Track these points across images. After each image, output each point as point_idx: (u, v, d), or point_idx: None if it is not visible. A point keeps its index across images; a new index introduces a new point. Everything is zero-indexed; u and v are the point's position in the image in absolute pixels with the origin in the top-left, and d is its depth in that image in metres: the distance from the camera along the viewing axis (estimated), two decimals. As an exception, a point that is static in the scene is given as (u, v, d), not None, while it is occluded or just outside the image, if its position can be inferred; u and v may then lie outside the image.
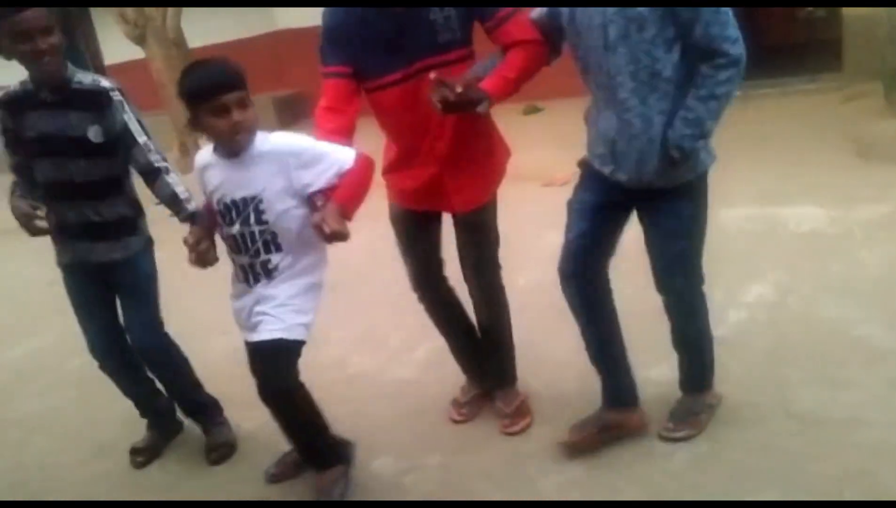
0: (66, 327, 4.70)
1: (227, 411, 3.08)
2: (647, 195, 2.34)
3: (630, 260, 2.67)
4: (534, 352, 3.20)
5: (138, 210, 2.78)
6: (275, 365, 2.31)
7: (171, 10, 8.38)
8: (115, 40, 9.66)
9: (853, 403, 2.58)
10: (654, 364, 2.96)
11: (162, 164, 2.64)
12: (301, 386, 2.36)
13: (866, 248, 3.76)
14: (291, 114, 9.73)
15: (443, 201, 2.60)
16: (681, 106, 2.18)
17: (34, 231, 2.53)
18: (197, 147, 9.51)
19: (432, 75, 2.30)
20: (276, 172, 2.27)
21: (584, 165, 2.49)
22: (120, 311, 2.82)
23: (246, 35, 10.01)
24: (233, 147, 2.28)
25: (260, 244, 2.32)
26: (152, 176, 2.64)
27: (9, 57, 2.47)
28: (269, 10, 10.04)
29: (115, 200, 2.69)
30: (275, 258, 2.33)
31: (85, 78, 2.58)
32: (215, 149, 2.35)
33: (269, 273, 2.34)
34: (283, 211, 2.29)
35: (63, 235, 2.69)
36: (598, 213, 2.43)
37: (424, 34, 2.37)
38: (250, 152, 2.28)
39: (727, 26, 2.09)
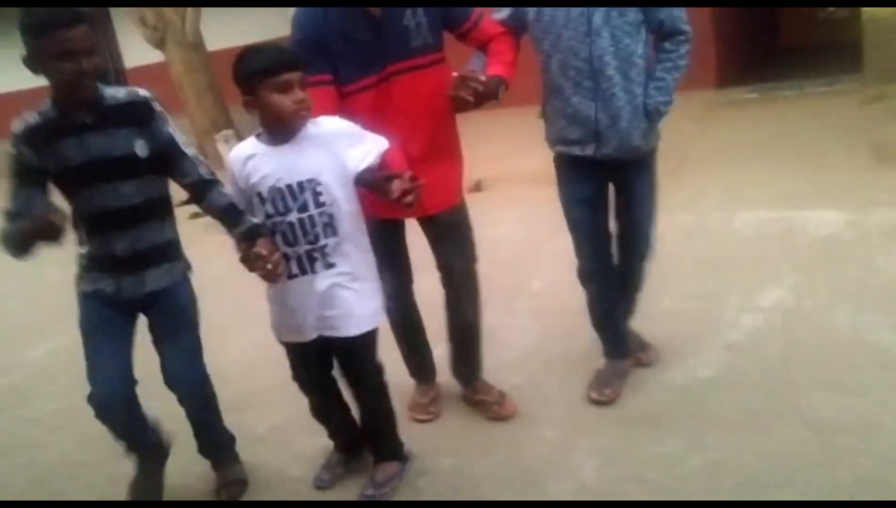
0: (86, 327, 4.80)
1: (243, 414, 3.11)
2: (624, 166, 2.67)
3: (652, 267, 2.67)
4: (547, 354, 3.22)
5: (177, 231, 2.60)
6: (368, 355, 2.46)
7: (190, 14, 8.45)
8: (134, 44, 9.78)
9: (868, 409, 2.57)
10: (664, 370, 2.97)
11: (212, 175, 2.45)
12: (384, 370, 2.53)
13: (884, 252, 3.73)
14: (309, 116, 9.77)
15: (417, 204, 2.53)
16: (651, 78, 2.58)
17: (57, 231, 2.15)
18: (217, 150, 9.48)
19: (455, 74, 2.43)
20: (329, 154, 2.28)
21: (561, 158, 2.72)
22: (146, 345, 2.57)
23: (264, 38, 10.07)
24: (293, 127, 2.26)
25: (319, 228, 2.30)
26: (204, 189, 2.43)
27: (41, 72, 2.23)
28: (287, 14, 10.10)
29: (164, 221, 2.50)
30: (332, 242, 2.33)
31: (117, 92, 2.35)
32: (259, 137, 2.32)
33: (326, 257, 2.33)
34: (340, 192, 2.30)
35: (105, 268, 2.43)
36: (597, 201, 2.74)
37: (398, 39, 2.46)
38: (302, 136, 2.28)
39: (682, 9, 2.60)
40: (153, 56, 9.05)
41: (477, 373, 2.99)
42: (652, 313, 3.41)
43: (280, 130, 2.27)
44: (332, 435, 2.74)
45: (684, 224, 4.57)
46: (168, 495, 2.77)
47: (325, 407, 2.66)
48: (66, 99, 2.27)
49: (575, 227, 2.79)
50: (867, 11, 6.81)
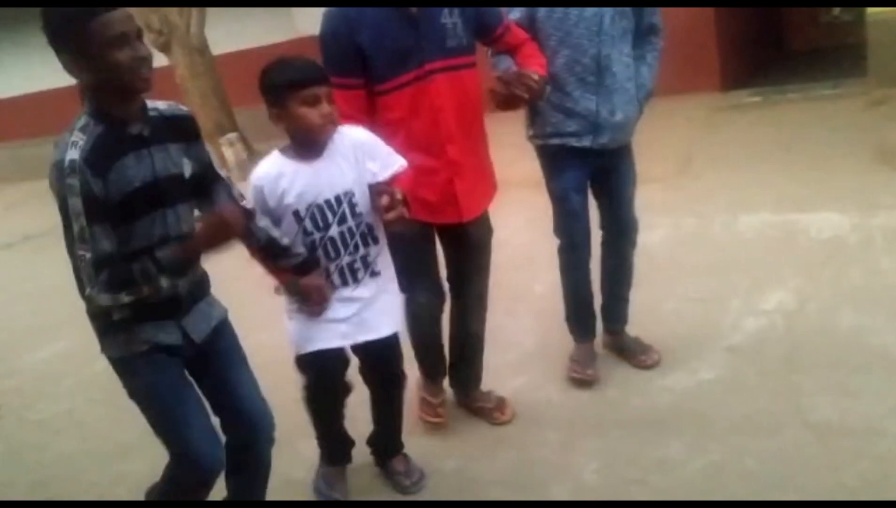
0: (91, 330, 4.82)
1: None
2: (613, 152, 2.86)
3: (649, 270, 2.67)
4: (549, 356, 3.22)
5: None
6: (397, 355, 2.48)
7: (194, 18, 8.48)
8: (140, 48, 9.81)
9: (871, 412, 2.56)
10: (667, 373, 2.97)
11: (249, 203, 2.18)
12: None
13: (887, 255, 3.72)
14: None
15: (453, 209, 2.59)
16: (644, 65, 2.84)
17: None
18: (221, 154, 9.50)
19: (498, 73, 2.52)
20: (356, 165, 2.28)
21: (554, 150, 2.82)
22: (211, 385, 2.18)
23: (268, 42, 10.11)
24: (320, 140, 2.24)
25: (358, 238, 2.30)
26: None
27: (87, 71, 1.83)
28: (291, 18, 10.13)
29: None
30: (373, 250, 2.34)
31: (156, 104, 2.02)
32: (285, 152, 2.28)
33: (370, 266, 2.34)
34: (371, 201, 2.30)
35: (163, 313, 2.01)
36: (587, 188, 2.94)
37: (436, 37, 2.44)
38: (330, 147, 2.26)
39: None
40: (158, 60, 9.06)
41: (478, 383, 2.98)
42: (654, 316, 3.41)
43: (307, 143, 2.24)
44: (335, 450, 2.67)
45: (687, 227, 4.57)
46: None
47: (336, 420, 2.60)
48: (118, 103, 1.87)
49: (571, 215, 2.90)
50: (872, 15, 6.80)
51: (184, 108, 2.11)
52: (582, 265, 3.01)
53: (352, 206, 2.27)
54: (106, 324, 1.98)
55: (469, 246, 2.72)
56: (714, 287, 3.70)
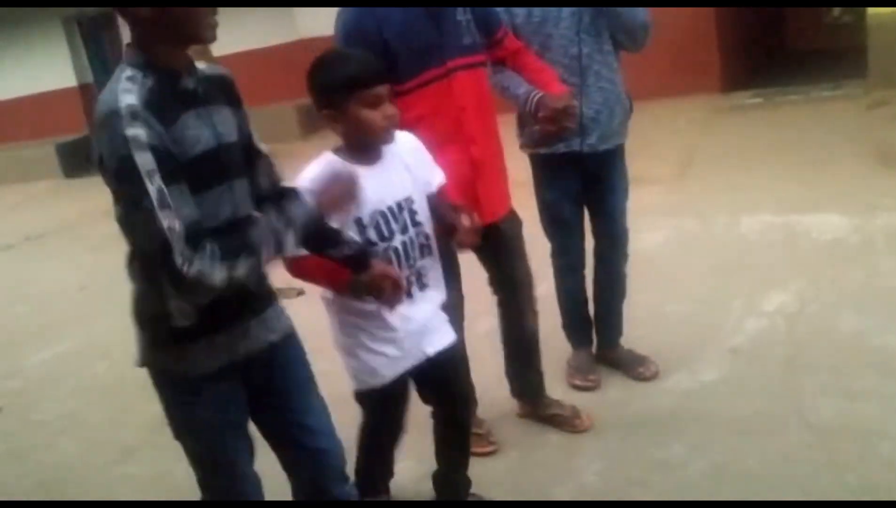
0: (93, 331, 4.85)
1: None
2: (603, 157, 2.82)
3: (650, 272, 2.68)
4: (550, 358, 3.21)
5: None
6: (463, 367, 2.30)
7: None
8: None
9: (872, 414, 2.57)
10: (668, 374, 2.97)
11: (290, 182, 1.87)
12: None
13: (888, 257, 3.73)
14: (315, 121, 9.82)
15: (476, 211, 2.41)
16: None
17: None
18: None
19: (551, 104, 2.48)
20: (412, 171, 2.10)
21: (544, 159, 2.80)
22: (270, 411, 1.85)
23: (269, 44, 10.13)
24: (381, 144, 2.03)
25: (418, 250, 2.09)
26: (286, 200, 1.68)
27: (141, 9, 1.52)
28: (293, 20, 10.15)
29: None
30: (427, 263, 2.12)
31: (197, 63, 1.68)
32: (339, 155, 2.02)
33: (420, 278, 2.12)
34: (427, 210, 2.12)
35: (227, 318, 1.67)
36: (579, 197, 2.90)
37: (455, 34, 2.40)
38: (387, 151, 2.05)
39: None
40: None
41: (543, 386, 2.89)
42: (656, 317, 3.42)
43: (367, 147, 2.02)
44: (380, 481, 2.46)
45: (689, 228, 4.57)
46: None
47: (392, 454, 2.43)
48: (171, 51, 1.56)
49: (564, 224, 2.89)
50: (872, 16, 6.81)
51: (223, 67, 1.81)
52: (576, 272, 3.01)
53: (412, 213, 2.07)
54: (160, 332, 1.63)
55: (504, 241, 2.60)
56: (715, 289, 3.70)
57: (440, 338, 2.16)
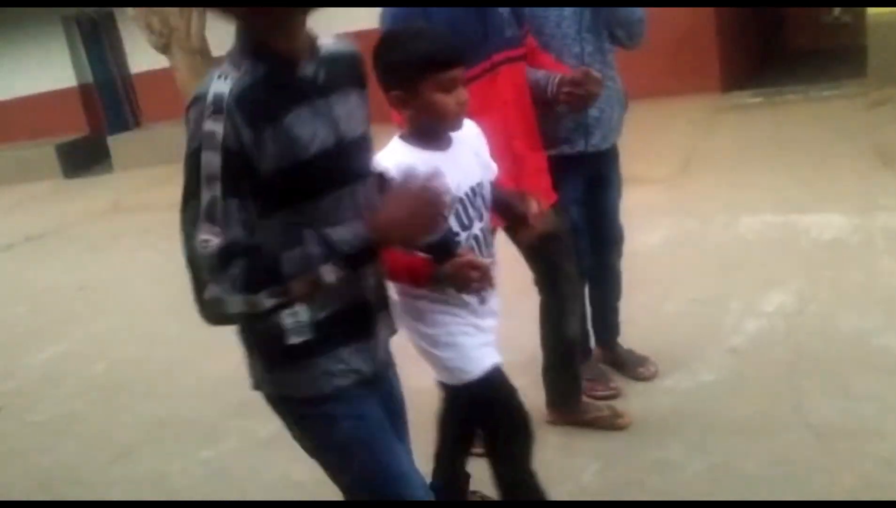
0: (91, 332, 4.84)
1: (245, 418, 3.11)
2: (603, 156, 2.82)
3: (650, 272, 2.67)
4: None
5: None
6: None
7: (195, 20, 8.50)
8: (139, 50, 9.83)
9: (871, 414, 2.56)
10: (667, 374, 2.96)
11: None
12: None
13: (888, 256, 3.72)
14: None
15: None
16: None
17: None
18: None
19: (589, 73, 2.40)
20: (479, 155, 1.98)
21: (551, 162, 2.63)
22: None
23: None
24: (451, 130, 1.88)
25: (490, 238, 1.98)
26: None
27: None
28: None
29: None
30: (489, 255, 1.96)
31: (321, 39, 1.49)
32: (407, 140, 1.88)
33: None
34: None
35: (355, 328, 1.52)
36: (584, 199, 2.84)
37: (498, 27, 2.37)
38: (456, 136, 1.91)
39: None
40: (159, 61, 9.08)
41: (581, 391, 2.83)
42: (655, 317, 3.41)
43: (436, 132, 1.87)
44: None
45: (688, 228, 4.57)
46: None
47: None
48: (286, 33, 1.37)
49: (573, 228, 2.77)
50: (872, 16, 6.81)
51: (350, 44, 1.58)
52: (581, 279, 2.90)
53: (484, 200, 1.95)
54: (276, 350, 1.45)
55: (550, 239, 2.42)
56: (714, 289, 3.70)
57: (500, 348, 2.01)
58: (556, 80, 2.45)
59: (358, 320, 1.50)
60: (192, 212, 1.29)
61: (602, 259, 2.99)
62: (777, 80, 8.05)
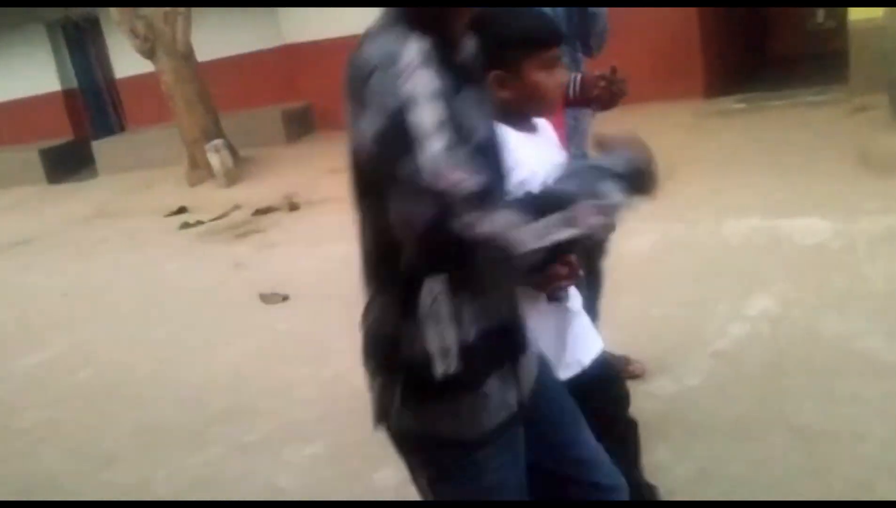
0: (76, 338, 4.80)
1: (229, 423, 3.10)
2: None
3: (635, 276, 2.68)
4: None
5: None
6: (617, 377, 2.00)
7: (180, 24, 8.49)
8: (124, 55, 9.79)
9: (855, 417, 2.58)
10: (654, 377, 2.97)
11: None
12: None
13: (870, 261, 3.76)
14: (299, 126, 9.81)
15: None
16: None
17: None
18: (207, 160, 9.47)
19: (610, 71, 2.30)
20: (553, 141, 1.90)
21: None
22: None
23: (254, 49, 10.11)
24: (551, 111, 1.82)
25: None
26: None
27: None
28: (278, 26, 10.13)
29: None
30: None
31: None
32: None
33: None
34: None
35: (502, 354, 1.32)
36: None
37: None
38: (537, 120, 1.83)
39: None
40: (144, 66, 9.06)
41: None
42: (640, 321, 3.42)
43: (527, 116, 1.77)
44: None
45: (672, 233, 4.59)
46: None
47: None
48: (452, 11, 1.23)
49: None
50: (854, 22, 6.88)
51: None
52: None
53: None
54: (419, 383, 1.25)
55: None
56: (699, 293, 3.72)
57: (595, 343, 1.93)
58: (579, 78, 2.38)
59: (508, 342, 1.32)
60: (411, 168, 1.06)
61: (588, 258, 3.00)
62: (761, 85, 8.11)
